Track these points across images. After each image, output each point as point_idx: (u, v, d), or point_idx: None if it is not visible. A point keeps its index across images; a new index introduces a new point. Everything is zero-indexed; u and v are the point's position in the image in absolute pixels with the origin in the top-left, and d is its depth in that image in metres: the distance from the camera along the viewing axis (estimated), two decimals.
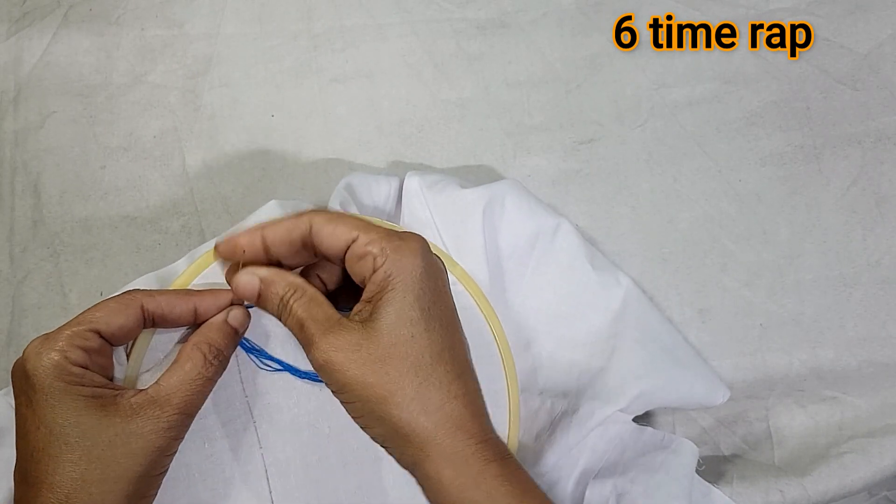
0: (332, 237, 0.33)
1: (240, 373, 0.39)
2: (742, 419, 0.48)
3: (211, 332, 0.35)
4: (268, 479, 0.38)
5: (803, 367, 0.49)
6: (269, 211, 0.42)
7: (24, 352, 0.32)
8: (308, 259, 0.36)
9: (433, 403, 0.31)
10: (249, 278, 0.35)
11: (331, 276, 0.38)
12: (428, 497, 0.32)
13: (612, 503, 0.41)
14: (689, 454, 0.43)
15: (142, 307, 0.34)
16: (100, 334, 0.33)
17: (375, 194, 0.45)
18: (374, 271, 0.32)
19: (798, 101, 0.53)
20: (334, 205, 0.43)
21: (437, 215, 0.44)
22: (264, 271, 0.35)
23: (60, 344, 0.31)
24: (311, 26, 0.54)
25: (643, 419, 0.47)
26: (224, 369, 0.36)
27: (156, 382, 0.33)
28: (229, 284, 0.36)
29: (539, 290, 0.45)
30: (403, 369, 0.31)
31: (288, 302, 0.34)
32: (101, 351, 0.33)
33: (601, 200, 0.51)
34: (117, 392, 0.32)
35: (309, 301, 0.34)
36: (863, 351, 0.49)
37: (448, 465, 0.31)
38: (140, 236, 0.49)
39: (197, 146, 0.51)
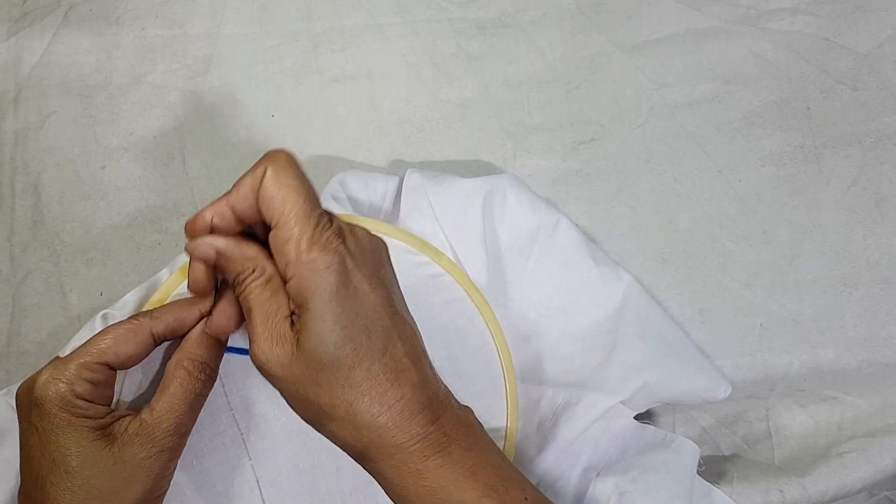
0: (267, 203, 0.31)
1: (223, 386, 0.39)
2: (742, 419, 0.48)
3: (191, 345, 0.35)
4: (260, 489, 0.38)
5: (803, 367, 0.49)
6: None
7: (34, 379, 0.33)
8: None
9: (366, 419, 0.31)
10: (206, 249, 0.32)
11: None
12: (381, 488, 0.33)
13: (613, 502, 0.41)
14: (690, 453, 0.43)
15: (151, 332, 0.34)
16: (109, 366, 0.33)
17: (372, 191, 0.45)
18: (287, 280, 0.31)
19: (798, 101, 0.53)
20: (326, 197, 0.43)
21: (437, 204, 0.44)
22: (222, 242, 0.32)
23: (68, 375, 0.32)
24: (311, 26, 0.54)
25: (644, 418, 0.47)
26: (213, 381, 0.35)
27: (147, 407, 0.33)
28: (189, 288, 0.34)
29: (540, 284, 0.45)
30: (334, 390, 0.30)
31: (243, 281, 0.32)
32: (106, 382, 0.34)
33: (601, 200, 0.51)
34: (115, 421, 0.33)
35: (263, 285, 0.31)
36: (863, 351, 0.49)
37: (388, 466, 0.31)
38: (140, 236, 0.49)
39: (197, 146, 0.51)
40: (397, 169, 0.51)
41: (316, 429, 0.33)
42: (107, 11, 0.53)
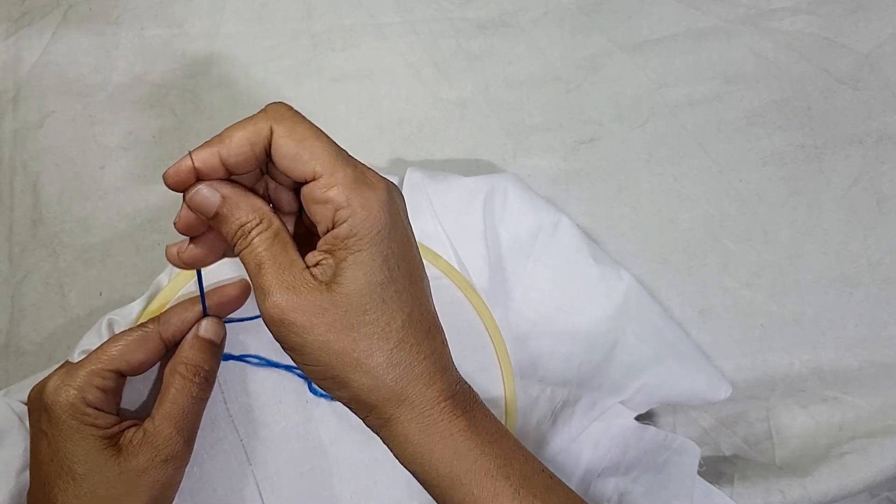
0: (292, 162, 0.29)
1: (222, 393, 0.39)
2: (743, 419, 0.48)
3: (184, 350, 0.35)
4: (260, 493, 0.39)
5: (804, 368, 0.49)
6: None
7: (44, 383, 0.33)
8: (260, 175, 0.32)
9: (402, 367, 0.29)
10: (210, 192, 0.29)
11: (290, 205, 0.33)
12: (395, 455, 0.31)
13: (614, 502, 0.41)
14: (691, 454, 0.43)
15: (160, 337, 0.35)
16: (120, 373, 0.34)
17: None
18: (336, 225, 0.29)
19: (799, 101, 0.53)
20: None
21: (438, 203, 0.44)
22: (228, 188, 0.30)
23: (79, 382, 0.32)
24: (311, 26, 0.53)
25: (645, 418, 0.47)
26: (211, 384, 0.36)
27: (150, 416, 0.34)
28: (176, 226, 0.31)
29: (540, 282, 0.45)
30: (374, 336, 0.29)
31: (249, 233, 0.29)
32: (116, 389, 0.34)
33: (601, 200, 0.51)
34: (122, 430, 0.33)
35: (273, 237, 0.29)
36: (864, 351, 0.49)
37: (415, 424, 0.30)
38: (140, 236, 0.49)
39: (196, 146, 0.51)
40: (397, 168, 0.51)
41: (331, 387, 0.30)
42: (106, 11, 0.52)
